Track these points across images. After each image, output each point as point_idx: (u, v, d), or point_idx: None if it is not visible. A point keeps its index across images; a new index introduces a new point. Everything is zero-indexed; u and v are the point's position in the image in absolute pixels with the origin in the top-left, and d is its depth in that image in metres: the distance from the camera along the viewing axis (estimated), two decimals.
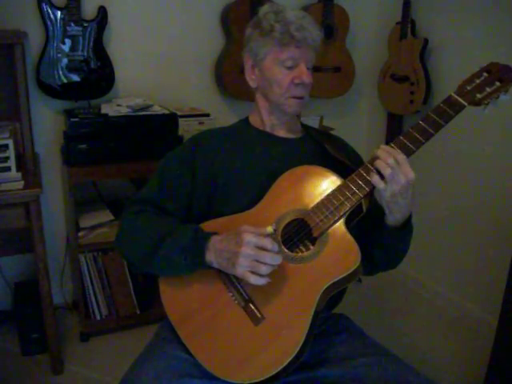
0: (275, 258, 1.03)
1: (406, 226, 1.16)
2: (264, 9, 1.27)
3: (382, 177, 1.07)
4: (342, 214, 1.11)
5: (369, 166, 1.12)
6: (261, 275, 1.03)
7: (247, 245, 1.03)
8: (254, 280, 1.03)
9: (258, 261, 1.02)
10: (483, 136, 2.22)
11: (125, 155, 2.11)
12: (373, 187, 1.11)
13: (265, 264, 1.02)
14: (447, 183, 2.46)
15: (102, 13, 2.13)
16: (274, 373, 1.02)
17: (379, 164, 1.07)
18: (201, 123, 2.29)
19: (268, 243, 1.03)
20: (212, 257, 1.09)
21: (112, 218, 2.22)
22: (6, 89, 2.02)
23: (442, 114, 1.10)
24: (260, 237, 1.04)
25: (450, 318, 2.43)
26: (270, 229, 1.07)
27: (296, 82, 1.24)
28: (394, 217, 1.12)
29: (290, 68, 1.24)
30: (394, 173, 1.05)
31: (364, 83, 2.85)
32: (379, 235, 1.18)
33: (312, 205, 1.14)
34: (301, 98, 1.27)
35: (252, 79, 1.31)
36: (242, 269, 1.03)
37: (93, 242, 2.16)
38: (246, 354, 1.05)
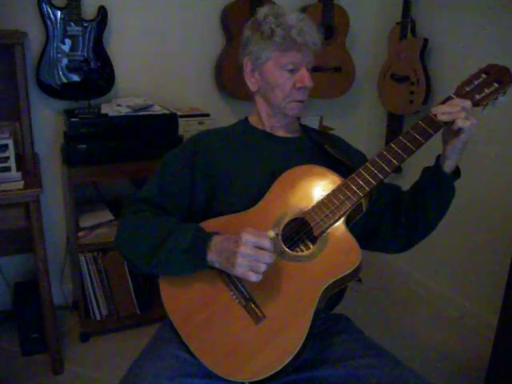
0: (273, 257, 1.04)
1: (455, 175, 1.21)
2: (263, 11, 1.26)
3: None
4: (342, 213, 1.11)
5: (369, 165, 1.13)
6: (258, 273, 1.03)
7: (246, 244, 1.03)
8: (256, 278, 1.03)
9: (256, 260, 1.03)
10: (484, 136, 2.22)
11: (125, 155, 2.10)
12: (373, 187, 1.11)
13: (263, 263, 1.03)
14: None
15: (102, 13, 2.13)
16: (274, 371, 1.02)
17: (459, 107, 1.10)
18: (201, 123, 2.29)
19: (266, 242, 1.03)
20: (213, 257, 1.09)
21: (112, 217, 2.22)
22: (5, 89, 2.02)
23: None
24: (258, 236, 1.04)
25: (450, 318, 2.43)
26: (271, 233, 1.07)
27: (298, 86, 1.24)
28: (456, 160, 1.17)
29: (291, 71, 1.24)
30: (468, 115, 1.09)
31: (364, 83, 2.85)
32: (437, 189, 1.20)
33: (312, 204, 1.14)
34: (301, 101, 1.28)
35: (252, 82, 1.31)
36: (241, 268, 1.03)
37: (93, 242, 2.16)
38: (246, 352, 1.05)
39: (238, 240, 1.04)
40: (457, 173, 1.22)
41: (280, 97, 1.26)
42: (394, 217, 1.26)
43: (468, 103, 1.10)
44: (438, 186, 1.20)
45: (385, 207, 1.27)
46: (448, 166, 1.18)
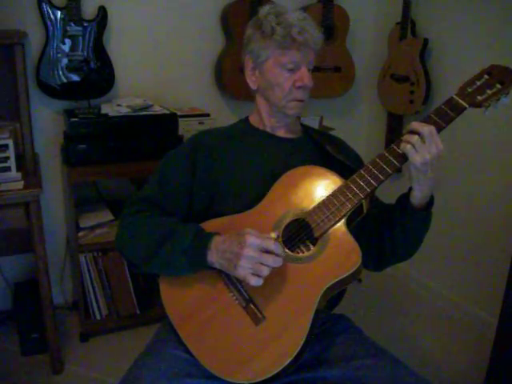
0: (277, 261, 1.03)
1: (428, 208, 1.17)
2: (265, 10, 1.26)
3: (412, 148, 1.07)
4: (343, 214, 1.11)
5: (369, 166, 1.13)
6: (260, 276, 1.03)
7: (250, 246, 1.03)
8: (256, 282, 1.03)
9: (260, 263, 1.03)
10: (484, 137, 2.22)
11: (125, 155, 2.11)
12: (374, 188, 1.11)
13: (267, 266, 1.03)
14: (447, 185, 2.46)
15: (102, 13, 2.13)
16: (274, 373, 1.02)
17: (416, 130, 1.07)
18: (201, 123, 2.29)
19: (271, 244, 1.03)
20: (214, 257, 1.09)
21: (112, 217, 2.22)
22: (6, 89, 2.02)
23: (443, 116, 1.10)
24: (263, 239, 1.04)
25: (451, 319, 2.43)
26: (273, 235, 1.07)
27: (298, 85, 1.24)
28: (420, 191, 1.12)
29: (291, 71, 1.23)
30: (427, 142, 1.06)
31: (364, 83, 2.85)
32: (402, 219, 1.17)
33: (313, 205, 1.14)
34: (301, 100, 1.27)
35: (252, 81, 1.31)
36: (243, 271, 1.03)
37: (93, 242, 2.16)
38: (246, 353, 1.05)
39: (242, 242, 1.04)
40: (431, 203, 1.17)
41: (280, 96, 1.26)
42: (368, 234, 1.23)
43: (430, 128, 1.06)
44: (404, 216, 1.16)
45: (368, 221, 1.23)
46: (415, 197, 1.14)
